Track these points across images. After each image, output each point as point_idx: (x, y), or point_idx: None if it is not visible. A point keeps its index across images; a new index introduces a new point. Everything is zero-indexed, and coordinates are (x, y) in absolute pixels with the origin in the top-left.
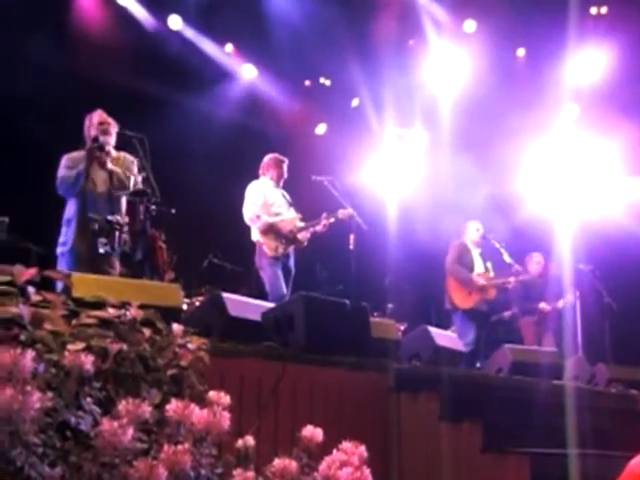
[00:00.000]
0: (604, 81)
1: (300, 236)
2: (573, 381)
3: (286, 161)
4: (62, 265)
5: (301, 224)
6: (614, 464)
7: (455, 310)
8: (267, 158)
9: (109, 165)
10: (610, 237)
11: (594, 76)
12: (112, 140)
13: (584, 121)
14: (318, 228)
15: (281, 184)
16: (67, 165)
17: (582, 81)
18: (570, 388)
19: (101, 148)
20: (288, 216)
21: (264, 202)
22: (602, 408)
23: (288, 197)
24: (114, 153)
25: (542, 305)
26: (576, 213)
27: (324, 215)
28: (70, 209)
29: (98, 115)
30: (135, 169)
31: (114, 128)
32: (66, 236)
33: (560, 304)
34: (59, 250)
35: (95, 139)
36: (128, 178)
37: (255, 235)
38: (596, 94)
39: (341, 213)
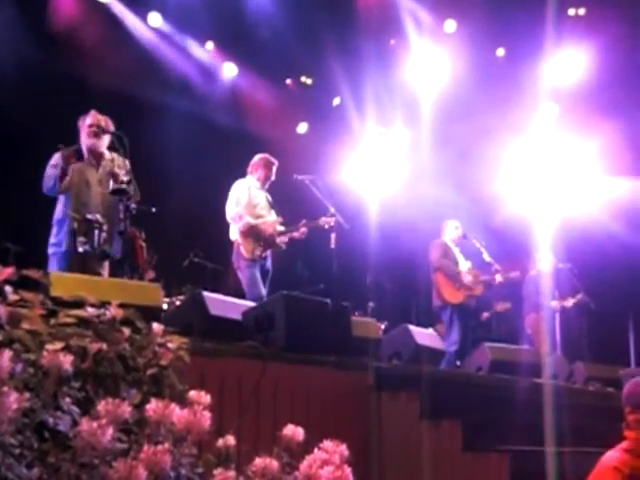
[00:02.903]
0: (583, 81)
1: (279, 240)
2: (552, 379)
3: (276, 163)
4: (53, 266)
5: (281, 228)
6: (592, 461)
7: (445, 306)
8: (257, 158)
9: (116, 170)
10: (589, 236)
11: (573, 76)
12: (104, 142)
13: (564, 121)
14: (296, 234)
15: (267, 186)
16: (52, 164)
17: (561, 81)
18: (549, 386)
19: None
20: (270, 219)
21: (248, 202)
22: (580, 406)
23: (270, 199)
24: (107, 154)
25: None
26: (555, 212)
27: (304, 222)
28: (59, 210)
29: (90, 117)
30: (129, 168)
31: (107, 129)
32: (57, 237)
33: (569, 302)
34: (50, 250)
35: (75, 151)
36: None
37: (234, 234)
38: (575, 94)
39: (322, 220)
